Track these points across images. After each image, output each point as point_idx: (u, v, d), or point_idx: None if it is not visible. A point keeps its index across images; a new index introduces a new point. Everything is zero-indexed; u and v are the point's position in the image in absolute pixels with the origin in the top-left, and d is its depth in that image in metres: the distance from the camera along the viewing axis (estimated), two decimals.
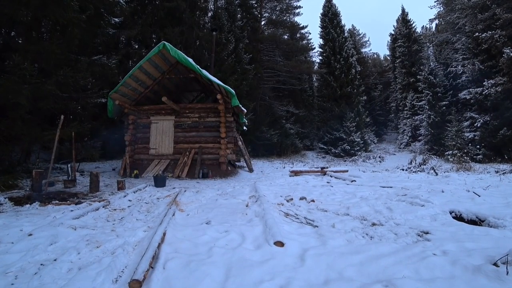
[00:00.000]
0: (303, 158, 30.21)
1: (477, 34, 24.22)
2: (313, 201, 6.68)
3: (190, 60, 12.82)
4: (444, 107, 29.49)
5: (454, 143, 23.43)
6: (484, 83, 23.44)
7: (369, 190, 8.08)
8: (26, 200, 6.84)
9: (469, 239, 3.83)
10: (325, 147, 31.97)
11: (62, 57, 11.20)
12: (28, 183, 9.60)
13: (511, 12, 22.20)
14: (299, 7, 36.21)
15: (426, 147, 29.98)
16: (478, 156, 22.54)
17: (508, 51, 21.05)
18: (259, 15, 35.02)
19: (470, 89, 25.42)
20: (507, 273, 2.78)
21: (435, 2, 33.33)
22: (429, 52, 41.67)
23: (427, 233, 4.16)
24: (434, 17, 34.66)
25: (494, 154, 21.73)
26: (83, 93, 12.46)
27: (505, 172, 13.44)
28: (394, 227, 4.49)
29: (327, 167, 14.98)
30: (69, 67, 10.81)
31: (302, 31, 38.83)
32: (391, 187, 8.53)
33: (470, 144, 23.64)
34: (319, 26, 37.54)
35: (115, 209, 6.03)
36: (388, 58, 54.07)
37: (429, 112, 30.05)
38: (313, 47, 40.31)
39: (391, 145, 38.82)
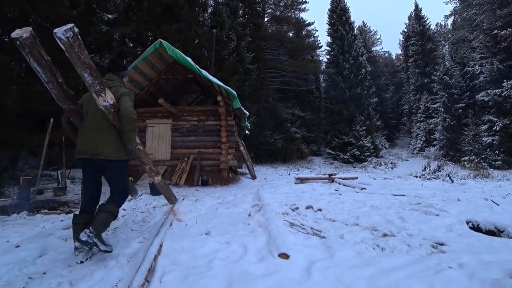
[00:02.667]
0: (309, 164, 30.25)
1: (495, 31, 24.25)
2: (320, 210, 6.67)
3: (189, 59, 12.87)
4: (461, 110, 29.49)
5: (471, 148, 23.43)
6: (503, 84, 23.46)
7: (380, 198, 8.07)
8: (13, 209, 6.86)
9: (487, 251, 3.82)
10: (333, 152, 31.99)
11: (52, 56, 11.26)
12: (15, 191, 9.64)
13: None
14: (305, 2, 36.21)
15: (441, 152, 29.98)
16: (496, 162, 22.53)
17: None
18: (262, 11, 35.11)
19: (488, 91, 25.42)
20: None
21: None
22: (444, 50, 41.79)
23: (442, 244, 4.16)
24: (449, 13, 34.69)
25: None
26: (74, 94, 12.51)
27: None
28: (407, 238, 4.48)
29: (335, 174, 14.97)
30: (59, 67, 10.87)
31: (308, 28, 38.98)
32: (403, 195, 8.52)
33: (488, 149, 23.62)
34: (327, 23, 37.77)
35: None
36: (401, 57, 54.26)
37: (444, 115, 30.06)
38: (320, 45, 40.43)
39: (403, 150, 38.81)
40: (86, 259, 3.64)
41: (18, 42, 3.13)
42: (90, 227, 3.60)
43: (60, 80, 3.74)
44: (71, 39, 3.23)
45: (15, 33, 3.07)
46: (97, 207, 3.99)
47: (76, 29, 3.26)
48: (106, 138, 3.88)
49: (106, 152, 3.84)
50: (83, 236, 3.52)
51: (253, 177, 17.03)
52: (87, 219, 3.89)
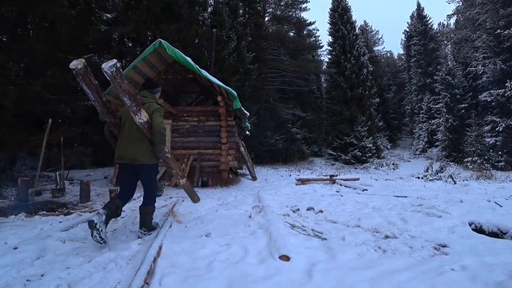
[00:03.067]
0: (310, 165, 30.22)
1: (499, 31, 24.23)
2: (321, 211, 6.67)
3: (188, 59, 12.87)
4: (463, 110, 29.47)
5: (473, 149, 23.39)
6: (506, 84, 23.43)
7: (382, 199, 8.06)
8: (11, 210, 6.87)
9: (490, 253, 3.82)
10: (334, 153, 31.95)
11: (50, 56, 11.26)
12: (13, 192, 9.64)
13: None
14: (306, 1, 36.29)
15: (443, 153, 29.95)
16: (499, 163, 22.50)
17: None
18: (262, 11, 35.06)
19: (491, 91, 25.40)
20: None
21: None
22: (446, 50, 41.77)
23: (444, 246, 4.15)
24: (452, 12, 34.73)
25: None
26: (72, 95, 12.50)
27: None
28: (409, 240, 4.48)
29: (337, 175, 14.98)
30: (58, 66, 10.87)
31: (309, 27, 38.94)
32: (405, 196, 8.52)
33: (491, 150, 23.59)
34: (328, 22, 37.61)
35: None
36: (403, 57, 54.24)
37: (446, 116, 30.04)
38: (321, 45, 40.34)
39: (405, 151, 38.80)
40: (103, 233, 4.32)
41: (74, 72, 4.08)
42: (142, 228, 5.00)
43: (104, 99, 4.65)
44: (115, 72, 4.10)
45: (72, 64, 4.01)
46: (140, 210, 5.13)
47: (118, 64, 4.14)
48: (141, 147, 4.81)
49: (141, 159, 4.80)
50: (140, 235, 4.89)
51: (254, 178, 17.04)
52: (120, 205, 4.88)
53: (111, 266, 3.59)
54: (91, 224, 4.14)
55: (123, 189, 5.20)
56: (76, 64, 4.02)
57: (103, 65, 4.02)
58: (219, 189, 12.58)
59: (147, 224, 5.08)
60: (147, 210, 5.14)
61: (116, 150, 4.98)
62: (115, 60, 4.12)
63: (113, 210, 4.63)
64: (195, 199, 6.60)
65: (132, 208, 7.53)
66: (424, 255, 3.90)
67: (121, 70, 4.22)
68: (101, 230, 4.23)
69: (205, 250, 4.15)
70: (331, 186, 12.44)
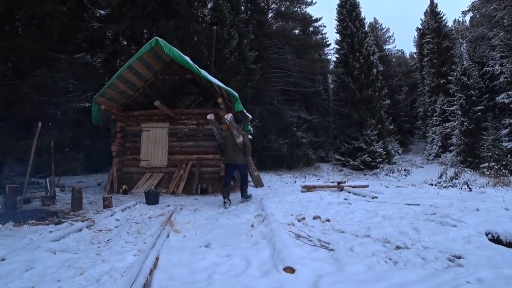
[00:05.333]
0: (317, 171, 30.20)
1: None
2: (328, 220, 6.67)
3: (187, 58, 12.88)
4: (479, 113, 29.38)
5: (490, 154, 23.33)
6: None
7: (393, 208, 8.05)
8: None
9: (507, 264, 3.81)
10: (342, 158, 31.86)
11: (40, 55, 11.25)
12: (0, 200, 9.64)
13: None
14: None
15: (458, 158, 29.84)
16: None
17: None
18: (265, 7, 35.12)
19: (509, 92, 25.38)
20: None
21: None
22: (461, 49, 41.60)
23: (459, 257, 4.15)
24: (467, 9, 34.69)
25: None
26: (63, 96, 12.49)
27: None
28: (422, 251, 4.48)
29: (345, 182, 14.94)
30: (48, 66, 10.88)
31: (316, 24, 38.86)
32: (418, 204, 8.49)
33: (509, 155, 23.50)
34: (336, 19, 37.61)
35: (100, 230, 6.05)
36: (415, 56, 54.15)
37: (462, 119, 29.96)
38: (328, 43, 40.17)
39: (418, 156, 38.69)
40: (230, 204, 9.14)
41: (208, 119, 9.75)
42: (243, 197, 9.93)
43: (220, 131, 9.99)
44: (231, 120, 8.79)
45: (208, 117, 9.64)
46: (240, 187, 10.19)
47: (232, 116, 8.89)
48: (238, 155, 9.58)
49: (239, 161, 9.66)
50: (243, 201, 9.82)
51: (256, 185, 17.01)
52: (229, 189, 9.59)
53: (104, 279, 3.59)
54: (225, 203, 9.05)
55: (228, 179, 9.77)
56: (210, 116, 9.39)
57: (225, 116, 8.88)
58: (220, 197, 12.52)
59: (245, 195, 9.93)
60: (244, 186, 10.02)
61: (225, 156, 9.78)
62: (231, 114, 8.88)
63: (228, 192, 9.37)
64: (258, 186, 13.49)
65: (127, 217, 7.54)
66: (437, 267, 3.89)
67: (233, 118, 8.98)
68: (230, 204, 9.08)
69: (205, 262, 4.16)
70: (339, 194, 12.41)
